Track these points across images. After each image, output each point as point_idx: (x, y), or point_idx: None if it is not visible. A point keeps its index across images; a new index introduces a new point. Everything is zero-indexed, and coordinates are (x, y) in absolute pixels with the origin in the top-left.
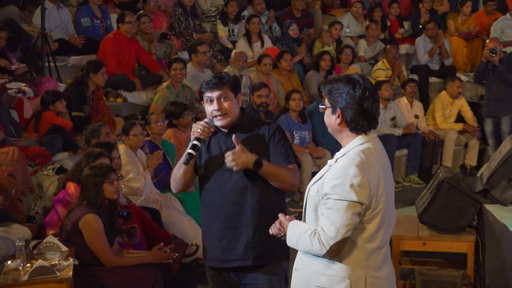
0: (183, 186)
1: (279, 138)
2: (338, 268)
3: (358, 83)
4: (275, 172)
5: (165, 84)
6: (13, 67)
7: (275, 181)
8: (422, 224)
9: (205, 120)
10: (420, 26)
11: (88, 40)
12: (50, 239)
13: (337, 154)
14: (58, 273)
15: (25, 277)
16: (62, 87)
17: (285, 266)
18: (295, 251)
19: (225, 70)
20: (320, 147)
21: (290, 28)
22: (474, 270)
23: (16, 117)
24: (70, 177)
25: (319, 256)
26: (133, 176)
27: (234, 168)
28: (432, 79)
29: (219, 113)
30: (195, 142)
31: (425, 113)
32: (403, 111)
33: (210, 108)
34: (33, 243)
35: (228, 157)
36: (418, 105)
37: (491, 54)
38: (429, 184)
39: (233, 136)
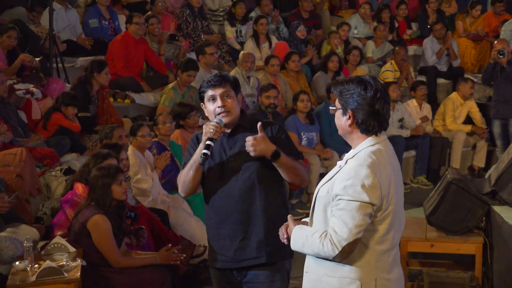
0: (192, 189)
1: (284, 137)
2: (348, 270)
3: (369, 84)
4: (290, 165)
5: (170, 85)
6: (36, 60)
7: (289, 174)
8: (430, 226)
9: (215, 120)
10: (428, 27)
11: (96, 41)
12: (58, 240)
13: (347, 155)
14: (66, 274)
15: (33, 278)
16: (69, 88)
17: (288, 266)
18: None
19: (233, 71)
20: (328, 149)
21: (298, 29)
22: (482, 272)
23: (24, 118)
24: (78, 178)
25: (330, 258)
26: (141, 177)
27: (252, 154)
28: (440, 80)
29: (222, 109)
30: (208, 142)
31: (433, 115)
32: (412, 113)
33: (212, 107)
34: (41, 244)
35: (249, 141)
36: (427, 107)
37: (499, 55)
38: (437, 185)
39: (259, 124)
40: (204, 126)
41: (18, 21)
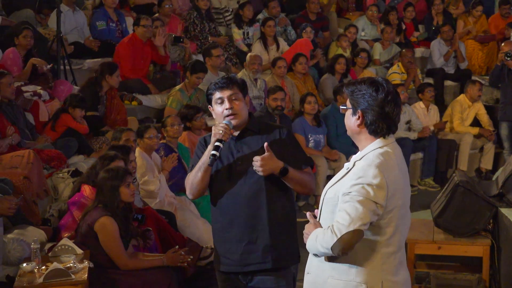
0: (200, 191)
1: (292, 142)
2: (354, 273)
3: (381, 86)
4: (298, 178)
5: (177, 87)
6: (48, 66)
7: (296, 186)
8: (437, 228)
9: (224, 122)
10: (433, 28)
11: (104, 43)
12: (65, 241)
13: (354, 157)
14: (73, 276)
15: (40, 280)
16: (77, 90)
17: (294, 271)
18: (306, 255)
19: (240, 73)
20: (335, 150)
21: (305, 31)
22: (490, 274)
23: (32, 120)
24: (85, 180)
25: (329, 249)
26: (148, 179)
27: (260, 173)
28: (448, 83)
29: (230, 112)
30: (217, 143)
31: (440, 117)
32: (419, 115)
33: (220, 109)
34: (48, 245)
35: (257, 162)
36: (434, 109)
37: (506, 57)
38: (444, 187)
39: (265, 144)
40: (213, 128)
41: (26, 23)
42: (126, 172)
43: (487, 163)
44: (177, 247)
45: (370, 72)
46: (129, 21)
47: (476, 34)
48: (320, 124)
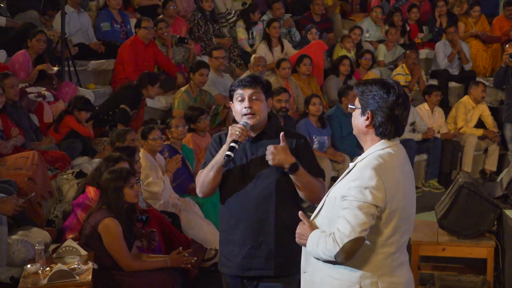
0: (210, 190)
1: (307, 152)
2: (349, 273)
3: (392, 88)
4: (307, 181)
5: (183, 88)
6: (55, 69)
7: (305, 190)
8: (441, 229)
9: (242, 122)
10: (436, 30)
11: (108, 45)
12: (70, 243)
13: (358, 159)
14: (77, 277)
15: (45, 281)
16: (81, 91)
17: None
18: None
19: (244, 74)
20: (340, 152)
21: (309, 32)
22: (494, 276)
23: (36, 121)
24: (90, 181)
25: (333, 257)
26: (152, 180)
27: (270, 162)
28: (452, 84)
29: (248, 111)
30: (232, 144)
31: (445, 119)
32: (424, 117)
33: (239, 107)
34: (52, 247)
35: (269, 149)
36: (439, 111)
37: (510, 59)
38: (449, 189)
39: (281, 133)
40: (230, 128)
41: (30, 25)
42: (129, 173)
43: (491, 165)
44: (181, 248)
45: (374, 74)
46: (134, 22)
47: (482, 35)
48: (324, 126)
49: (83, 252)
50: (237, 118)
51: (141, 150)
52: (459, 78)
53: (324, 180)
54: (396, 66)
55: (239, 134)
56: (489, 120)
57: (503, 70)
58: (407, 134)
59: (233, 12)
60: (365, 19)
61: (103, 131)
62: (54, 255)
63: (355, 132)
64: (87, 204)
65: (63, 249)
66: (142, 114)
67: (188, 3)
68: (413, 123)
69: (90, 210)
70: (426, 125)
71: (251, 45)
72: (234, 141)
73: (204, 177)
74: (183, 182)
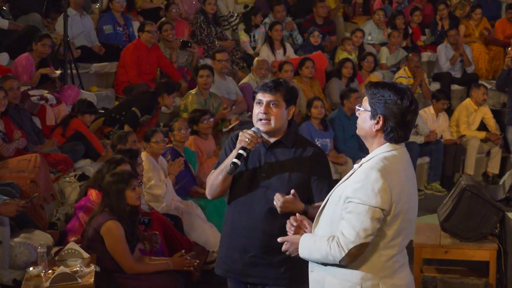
0: (218, 194)
1: (321, 168)
2: (350, 273)
3: (406, 94)
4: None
5: (193, 91)
6: (57, 73)
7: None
8: (444, 232)
9: (253, 129)
10: (438, 33)
11: (111, 47)
12: (72, 245)
13: (363, 160)
14: (79, 280)
15: (47, 284)
16: (84, 94)
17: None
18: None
19: (247, 77)
20: (342, 154)
21: (312, 35)
22: (496, 279)
23: (39, 124)
24: (92, 184)
25: (337, 262)
26: (155, 183)
27: (278, 210)
28: (454, 87)
29: (264, 116)
30: (240, 151)
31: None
32: (427, 120)
33: (257, 110)
34: (55, 249)
35: (278, 201)
36: (444, 116)
37: None
38: (451, 192)
39: (293, 191)
40: (240, 134)
41: (33, 27)
42: (131, 175)
43: (494, 167)
44: (183, 251)
45: (376, 77)
46: (136, 25)
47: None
48: (327, 128)
49: (86, 255)
50: (253, 121)
51: (144, 153)
52: (462, 81)
53: None
54: (398, 69)
55: (248, 141)
56: (491, 122)
57: (506, 73)
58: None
59: (236, 15)
60: (367, 22)
61: (106, 132)
62: (56, 258)
63: (361, 133)
64: (89, 206)
65: (66, 251)
66: (155, 123)
67: (190, 6)
68: (415, 126)
69: (93, 213)
70: (429, 128)
71: (253, 48)
72: (242, 148)
73: (213, 180)
74: (185, 185)
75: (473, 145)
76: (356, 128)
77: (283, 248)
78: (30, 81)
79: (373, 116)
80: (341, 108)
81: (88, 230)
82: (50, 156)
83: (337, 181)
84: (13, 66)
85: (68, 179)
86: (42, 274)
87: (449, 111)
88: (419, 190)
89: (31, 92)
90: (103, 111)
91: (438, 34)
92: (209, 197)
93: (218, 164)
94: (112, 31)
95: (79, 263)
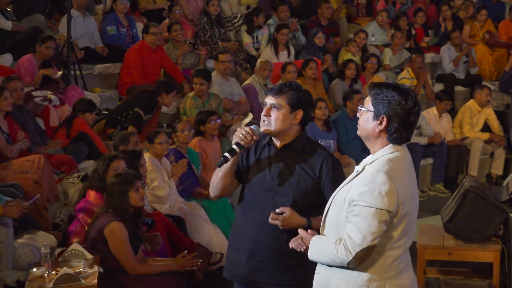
0: (221, 191)
1: (331, 176)
2: (357, 275)
3: (410, 96)
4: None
5: (191, 94)
6: (58, 74)
7: None
8: (447, 234)
9: (251, 126)
10: (441, 34)
11: (114, 49)
12: (75, 246)
13: (365, 161)
14: (83, 281)
15: (50, 285)
16: (87, 95)
17: None
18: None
19: (250, 78)
20: (345, 155)
21: (316, 36)
22: (500, 280)
23: (42, 125)
24: (89, 184)
25: (344, 264)
26: (158, 184)
27: (281, 227)
28: (458, 88)
29: (264, 118)
30: (234, 146)
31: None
32: (431, 121)
33: (262, 112)
34: (58, 250)
35: (275, 220)
36: (447, 117)
37: None
38: (455, 193)
39: (271, 215)
40: (238, 129)
41: (37, 28)
42: (135, 176)
43: (497, 169)
44: (185, 251)
45: (380, 78)
46: (139, 26)
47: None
48: (330, 129)
49: (89, 256)
50: (260, 121)
51: (147, 154)
52: (465, 82)
53: None
54: (401, 70)
55: (243, 137)
56: (495, 124)
57: (509, 75)
58: (413, 138)
59: (239, 16)
60: (371, 23)
61: (109, 134)
62: (59, 259)
63: (363, 134)
64: (89, 208)
65: (69, 252)
66: (156, 122)
67: (194, 7)
68: (419, 127)
69: (96, 214)
70: (432, 129)
71: (257, 49)
72: (236, 143)
73: (214, 177)
74: (188, 186)
75: (476, 146)
76: None
77: (291, 244)
78: (32, 82)
79: (376, 117)
80: (343, 109)
81: (91, 231)
82: (53, 157)
83: None
84: (16, 67)
85: (71, 180)
86: (45, 275)
87: (453, 112)
88: (422, 191)
89: (34, 93)
90: (106, 112)
91: (442, 35)
92: (211, 195)
93: None
94: (116, 32)
95: (82, 264)
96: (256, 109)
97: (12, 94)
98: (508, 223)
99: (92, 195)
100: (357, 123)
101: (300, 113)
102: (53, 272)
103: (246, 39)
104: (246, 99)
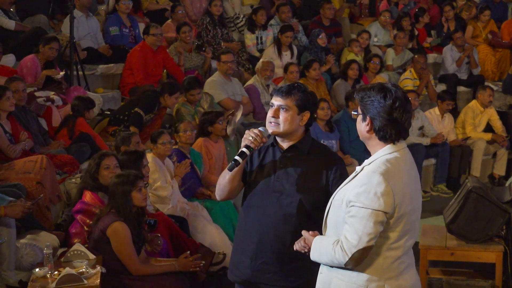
0: (228, 194)
1: (342, 180)
2: (356, 275)
3: (389, 92)
4: None
5: (179, 104)
6: (60, 75)
7: None
8: (450, 234)
9: (259, 128)
10: (444, 34)
11: (117, 49)
12: (78, 247)
13: (365, 162)
14: (85, 281)
15: (53, 285)
16: (90, 95)
17: None
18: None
19: (252, 79)
20: (348, 155)
21: (319, 37)
22: (503, 281)
23: (45, 125)
24: (83, 184)
25: (342, 265)
26: (161, 184)
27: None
28: (460, 88)
29: (273, 120)
30: (243, 149)
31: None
32: (433, 121)
33: (268, 113)
34: (60, 250)
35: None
36: (449, 117)
37: None
38: (457, 193)
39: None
40: (246, 132)
41: (39, 29)
42: (137, 176)
43: (500, 169)
44: (188, 252)
45: (382, 78)
46: (142, 26)
47: (492, 38)
48: (332, 130)
49: (92, 256)
50: (266, 122)
51: (150, 154)
52: (468, 83)
53: None
54: (404, 70)
55: (252, 140)
56: (497, 124)
57: (511, 77)
58: (415, 139)
59: (242, 16)
60: (373, 23)
61: (111, 131)
62: (62, 259)
63: (360, 137)
64: (85, 208)
65: (72, 253)
66: (159, 123)
67: (199, 8)
68: (421, 128)
69: (98, 214)
70: (435, 129)
71: (260, 51)
72: (246, 146)
73: (221, 180)
74: (191, 187)
75: (479, 146)
76: None
77: (295, 246)
78: (35, 83)
79: (364, 119)
80: (346, 110)
81: (94, 231)
82: (56, 157)
83: None
84: (19, 67)
85: (74, 180)
86: (48, 275)
87: (455, 113)
88: (425, 192)
89: (37, 94)
90: (108, 113)
91: (444, 36)
92: (217, 197)
93: None
94: (118, 32)
95: (85, 265)
96: (258, 109)
97: (14, 95)
98: (511, 224)
99: (88, 195)
100: None
101: (307, 115)
102: (56, 272)
103: (248, 41)
104: (249, 99)
